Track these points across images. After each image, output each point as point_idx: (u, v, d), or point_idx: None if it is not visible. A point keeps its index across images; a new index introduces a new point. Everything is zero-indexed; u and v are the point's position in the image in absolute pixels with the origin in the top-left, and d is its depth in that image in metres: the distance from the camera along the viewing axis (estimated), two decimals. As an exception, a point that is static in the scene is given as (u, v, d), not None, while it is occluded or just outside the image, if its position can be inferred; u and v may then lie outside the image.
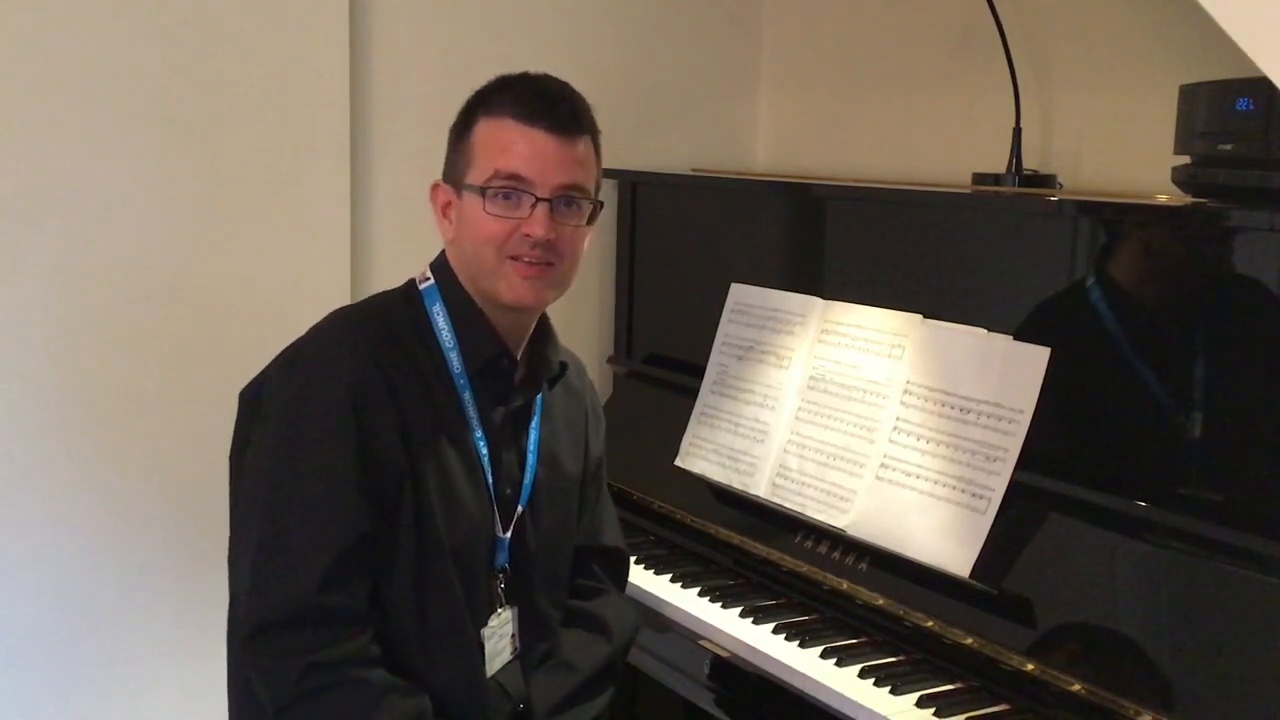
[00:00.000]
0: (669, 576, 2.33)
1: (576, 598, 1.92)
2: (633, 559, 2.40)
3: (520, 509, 1.78)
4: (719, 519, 2.40)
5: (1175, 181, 1.88)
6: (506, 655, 1.76)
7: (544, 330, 1.82)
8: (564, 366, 1.85)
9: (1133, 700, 1.70)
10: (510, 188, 1.66)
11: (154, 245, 2.41)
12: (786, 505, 2.25)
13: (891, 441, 2.11)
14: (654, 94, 3.00)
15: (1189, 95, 1.84)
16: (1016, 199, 2.28)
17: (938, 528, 1.99)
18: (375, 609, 1.64)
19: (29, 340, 2.32)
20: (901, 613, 2.02)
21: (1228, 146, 1.75)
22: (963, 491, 1.98)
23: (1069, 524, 1.90)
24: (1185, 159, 1.85)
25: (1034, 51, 2.49)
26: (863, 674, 1.93)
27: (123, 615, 2.44)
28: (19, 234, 2.29)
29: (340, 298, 2.57)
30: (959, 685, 1.90)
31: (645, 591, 2.28)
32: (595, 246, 2.96)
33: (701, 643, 2.14)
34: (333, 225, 2.58)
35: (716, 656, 2.11)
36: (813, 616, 2.14)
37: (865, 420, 2.17)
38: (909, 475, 2.07)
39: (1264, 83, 1.60)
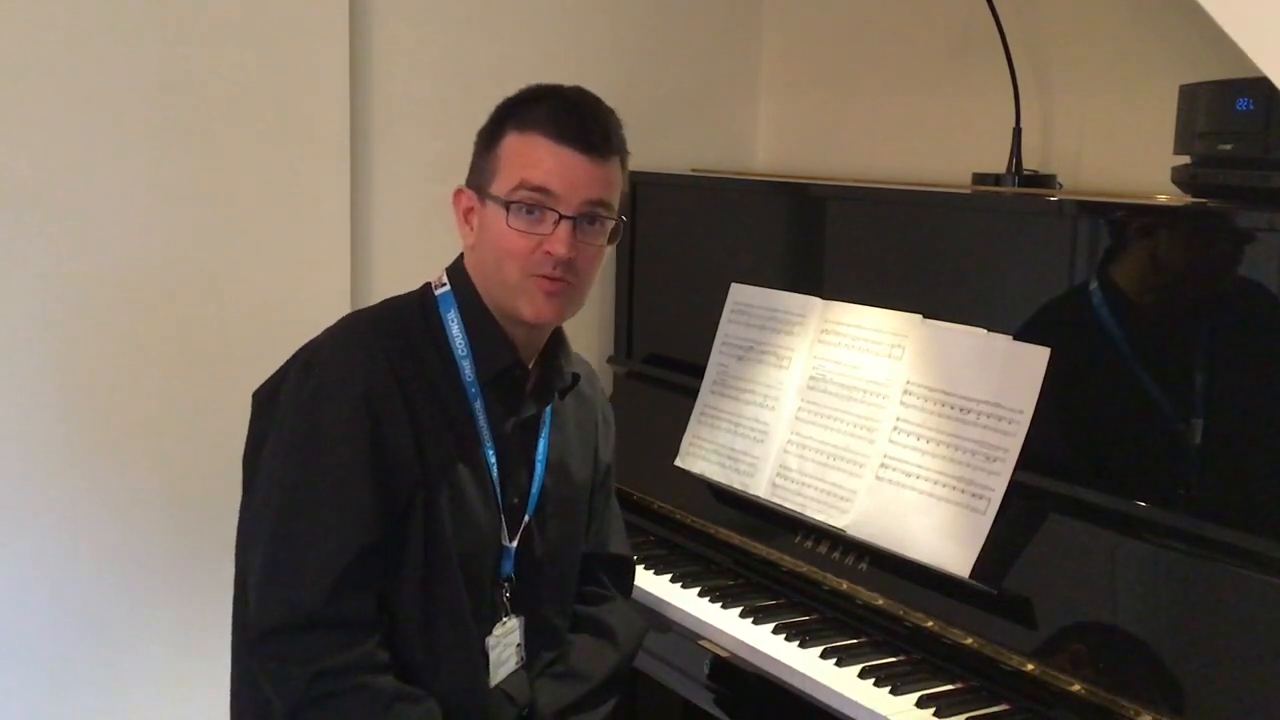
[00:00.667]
0: (669, 576, 2.33)
1: (583, 604, 1.91)
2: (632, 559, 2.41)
3: (527, 518, 1.77)
4: (719, 519, 2.40)
5: (1175, 181, 1.88)
6: (512, 664, 1.76)
7: (558, 340, 1.81)
8: (576, 378, 1.84)
9: (1133, 700, 1.70)
10: (535, 201, 1.64)
11: (154, 246, 2.41)
12: (786, 505, 2.25)
13: (891, 441, 2.11)
14: (654, 94, 3.00)
15: (1189, 95, 1.84)
16: (1016, 199, 2.28)
17: (938, 528, 1.99)
18: (382, 614, 1.64)
19: (29, 340, 2.32)
20: (901, 613, 2.02)
21: (1228, 146, 1.75)
22: (963, 491, 1.98)
23: (1069, 524, 1.90)
24: (1185, 159, 1.85)
25: (1034, 51, 2.49)
26: (863, 674, 1.93)
27: (123, 615, 2.44)
28: (19, 234, 2.29)
29: (340, 297, 2.57)
30: (959, 685, 1.90)
31: (645, 591, 2.28)
32: (595, 246, 2.98)
33: (701, 643, 2.14)
34: (333, 225, 2.58)
35: (716, 656, 2.11)
36: (813, 616, 2.14)
37: (865, 420, 2.17)
38: (909, 475, 2.07)
39: (1264, 83, 1.60)
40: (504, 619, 1.74)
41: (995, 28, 2.40)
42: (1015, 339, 1.99)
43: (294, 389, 1.66)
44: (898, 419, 2.12)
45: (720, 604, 2.20)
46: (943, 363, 2.08)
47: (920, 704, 1.85)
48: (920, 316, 2.14)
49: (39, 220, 2.30)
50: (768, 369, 2.38)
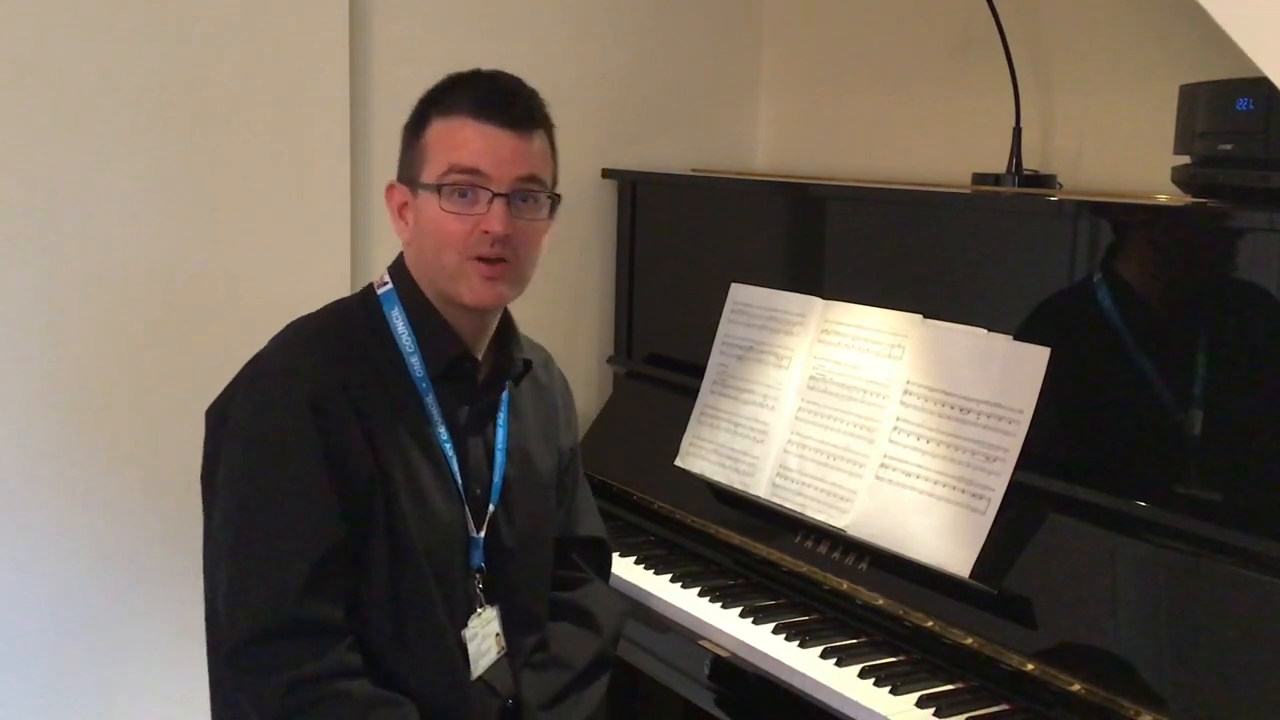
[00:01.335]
0: (669, 576, 2.33)
1: (559, 589, 1.91)
2: (632, 559, 2.41)
3: (492, 507, 1.77)
4: (719, 519, 2.40)
5: (1175, 181, 1.88)
6: (493, 655, 1.76)
7: (506, 327, 1.82)
8: (528, 364, 1.85)
9: (1132, 700, 1.70)
10: (467, 183, 1.65)
11: (154, 246, 2.41)
12: (786, 505, 2.25)
13: (891, 441, 2.11)
14: (654, 94, 3.00)
15: (1189, 95, 1.84)
16: (1016, 199, 2.28)
17: (938, 528, 1.99)
18: (353, 616, 1.64)
19: (29, 340, 2.32)
20: (901, 613, 2.02)
21: (1228, 146, 1.75)
22: (963, 491, 1.98)
23: (1069, 524, 1.90)
24: (1185, 159, 1.85)
25: (1034, 51, 2.49)
26: (863, 674, 1.93)
27: (122, 616, 2.44)
28: (18, 235, 2.29)
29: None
30: (959, 685, 1.90)
31: (645, 591, 2.28)
32: (595, 246, 2.98)
33: (701, 643, 2.14)
34: (333, 225, 2.58)
35: (716, 656, 2.11)
36: (813, 616, 2.14)
37: (865, 420, 2.17)
38: (909, 475, 2.07)
39: (1264, 83, 1.60)
40: (479, 610, 1.74)
41: (995, 28, 2.40)
42: (1015, 339, 1.99)
43: (241, 402, 1.67)
44: (898, 419, 2.12)
45: (720, 604, 2.20)
46: (943, 363, 2.08)
47: (920, 704, 1.85)
48: (920, 316, 2.14)
49: (38, 220, 2.30)
50: (768, 369, 2.38)
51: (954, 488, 2.00)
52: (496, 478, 1.78)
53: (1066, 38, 2.46)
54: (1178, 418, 1.84)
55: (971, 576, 1.93)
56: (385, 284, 1.76)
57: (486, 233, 1.65)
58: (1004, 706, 1.84)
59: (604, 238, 2.97)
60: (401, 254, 1.77)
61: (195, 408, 2.43)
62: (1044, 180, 2.42)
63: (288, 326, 1.74)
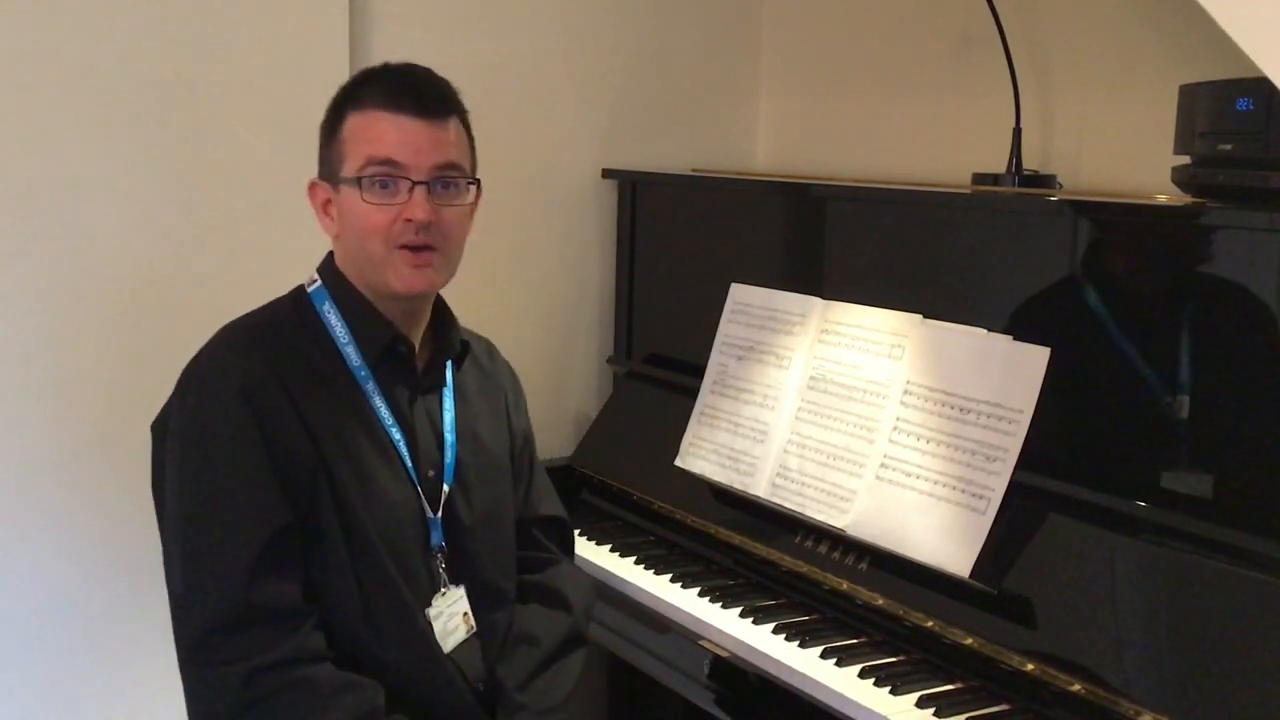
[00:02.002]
0: (669, 576, 2.33)
1: (527, 571, 1.93)
2: (632, 559, 2.41)
3: (447, 488, 1.79)
4: (719, 519, 2.40)
5: (1175, 181, 1.88)
6: (461, 634, 1.77)
7: (441, 312, 1.85)
8: (466, 345, 1.87)
9: (1132, 700, 1.70)
10: (386, 174, 1.67)
11: (152, 245, 2.40)
12: (786, 505, 2.25)
13: (891, 441, 2.11)
14: (654, 94, 3.00)
15: (1189, 95, 1.84)
16: (1016, 199, 2.28)
17: (938, 528, 1.99)
18: (319, 600, 1.66)
19: (26, 341, 2.31)
20: (901, 613, 2.03)
21: (1228, 146, 1.75)
22: (963, 491, 1.98)
23: (1069, 524, 1.90)
24: (1185, 159, 1.85)
25: (1034, 51, 2.49)
26: (863, 674, 1.93)
27: (121, 617, 2.44)
28: (16, 234, 2.28)
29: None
30: (959, 685, 1.90)
31: (645, 592, 2.28)
32: (595, 246, 2.98)
33: (701, 643, 2.14)
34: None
35: (716, 656, 2.11)
36: (813, 616, 2.15)
37: (865, 420, 2.17)
38: (909, 475, 2.07)
39: (1264, 83, 1.60)
40: (443, 589, 1.76)
41: (995, 28, 2.40)
42: (1015, 339, 1.99)
43: (178, 406, 1.70)
44: (898, 419, 2.12)
45: (720, 604, 2.20)
46: (943, 363, 2.08)
47: (920, 704, 1.85)
48: (920, 316, 2.14)
49: (37, 221, 2.30)
50: (768, 369, 2.38)
51: (954, 488, 2.00)
52: (449, 459, 1.80)
53: (1066, 38, 2.46)
54: (1177, 418, 1.84)
55: (971, 576, 1.93)
56: (314, 282, 1.79)
57: (409, 221, 1.67)
58: (1004, 706, 1.84)
59: (604, 238, 2.97)
60: (330, 252, 1.80)
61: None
62: (1044, 180, 2.42)
63: (220, 329, 1.77)
